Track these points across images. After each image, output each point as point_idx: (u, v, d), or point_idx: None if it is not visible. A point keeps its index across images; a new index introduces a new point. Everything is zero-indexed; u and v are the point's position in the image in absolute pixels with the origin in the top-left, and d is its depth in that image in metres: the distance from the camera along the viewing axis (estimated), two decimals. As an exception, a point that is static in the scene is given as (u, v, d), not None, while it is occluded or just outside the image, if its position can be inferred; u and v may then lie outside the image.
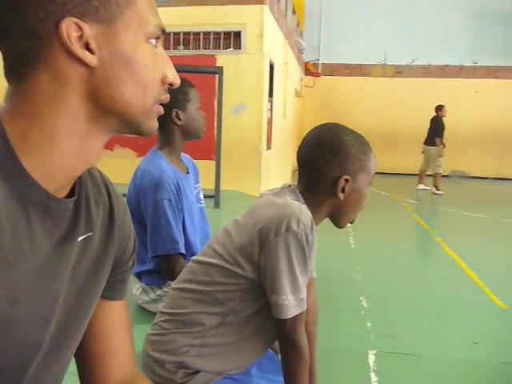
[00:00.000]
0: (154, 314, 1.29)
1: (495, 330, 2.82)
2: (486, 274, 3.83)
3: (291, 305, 1.08)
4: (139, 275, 2.06)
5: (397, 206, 7.26)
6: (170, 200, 1.86)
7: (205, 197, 2.30)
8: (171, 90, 0.58)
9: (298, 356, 1.12)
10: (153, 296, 2.03)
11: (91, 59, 0.50)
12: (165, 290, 1.97)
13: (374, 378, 2.20)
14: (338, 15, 11.76)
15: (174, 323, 1.17)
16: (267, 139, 6.73)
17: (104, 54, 0.50)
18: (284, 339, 1.13)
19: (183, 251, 1.90)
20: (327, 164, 1.17)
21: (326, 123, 1.27)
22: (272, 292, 1.09)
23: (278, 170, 7.85)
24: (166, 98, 0.57)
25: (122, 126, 0.55)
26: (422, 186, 8.37)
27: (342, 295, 3.28)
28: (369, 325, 2.79)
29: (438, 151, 7.91)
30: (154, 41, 0.54)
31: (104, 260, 0.65)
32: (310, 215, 1.11)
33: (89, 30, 0.49)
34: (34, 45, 0.48)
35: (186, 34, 6.07)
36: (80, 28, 0.48)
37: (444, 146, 7.99)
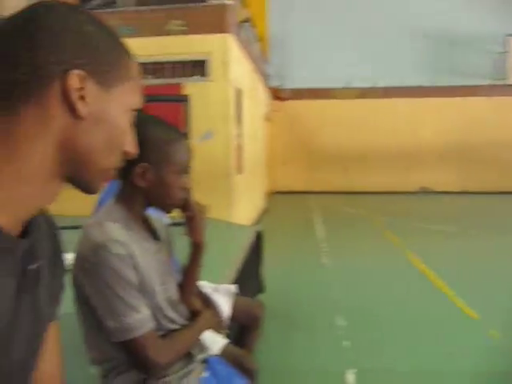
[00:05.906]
0: None
1: (469, 341, 2.87)
2: (458, 286, 3.92)
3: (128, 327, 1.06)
4: None
5: (369, 225, 7.38)
6: None
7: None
8: None
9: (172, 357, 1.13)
10: None
11: (83, 110, 0.52)
12: None
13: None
14: (299, 42, 12.13)
15: None
16: (237, 164, 6.77)
17: (93, 111, 0.54)
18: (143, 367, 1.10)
19: None
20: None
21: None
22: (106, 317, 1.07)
23: (249, 194, 7.87)
24: (120, 165, 0.61)
25: (76, 178, 0.57)
26: None
27: (317, 314, 3.26)
28: (345, 343, 2.78)
29: None
30: (132, 112, 0.60)
31: (55, 285, 0.66)
32: (120, 231, 1.09)
33: (91, 86, 0.53)
34: (34, 80, 0.50)
35: (151, 63, 6.11)
36: (84, 82, 0.52)
37: None
